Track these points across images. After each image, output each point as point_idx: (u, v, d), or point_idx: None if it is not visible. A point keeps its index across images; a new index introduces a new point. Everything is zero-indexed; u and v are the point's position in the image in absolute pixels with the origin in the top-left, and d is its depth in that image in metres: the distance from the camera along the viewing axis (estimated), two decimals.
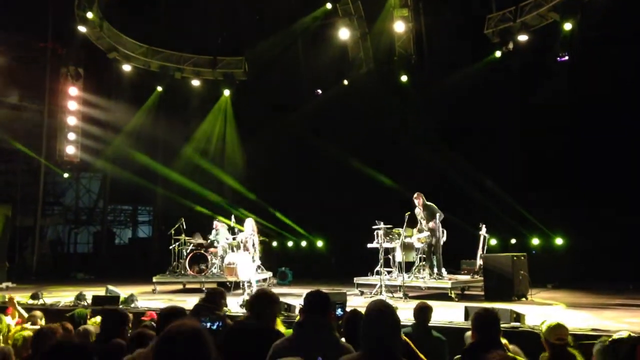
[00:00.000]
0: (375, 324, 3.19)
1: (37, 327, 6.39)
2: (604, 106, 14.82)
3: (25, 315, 7.49)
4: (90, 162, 21.37)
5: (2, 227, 16.55)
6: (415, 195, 12.82)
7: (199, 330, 2.52)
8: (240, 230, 14.71)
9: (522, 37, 15.55)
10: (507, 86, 16.29)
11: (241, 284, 12.56)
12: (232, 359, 3.39)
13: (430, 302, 6.26)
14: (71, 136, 20.47)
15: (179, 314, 4.37)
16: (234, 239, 14.24)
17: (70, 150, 20.43)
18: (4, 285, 15.33)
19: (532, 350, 5.00)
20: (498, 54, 16.20)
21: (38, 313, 7.08)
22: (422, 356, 4.84)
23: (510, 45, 15.69)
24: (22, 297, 11.98)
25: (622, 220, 14.10)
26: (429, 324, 6.15)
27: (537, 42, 15.63)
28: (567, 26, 14.92)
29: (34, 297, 11.43)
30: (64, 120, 20.47)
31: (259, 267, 13.74)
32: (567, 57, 15.43)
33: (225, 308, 5.69)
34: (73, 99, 20.47)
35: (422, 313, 5.95)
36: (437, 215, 12.48)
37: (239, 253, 12.80)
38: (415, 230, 12.77)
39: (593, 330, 7.11)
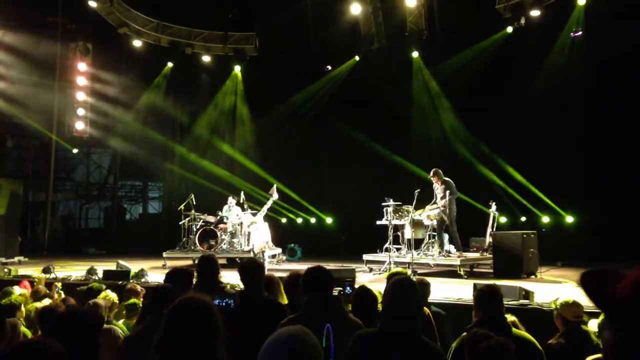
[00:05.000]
0: (400, 302, 3.17)
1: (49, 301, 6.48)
2: (618, 83, 14.62)
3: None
4: (101, 138, 21.40)
5: (7, 201, 16.66)
6: (432, 172, 12.79)
7: (208, 304, 2.53)
8: (250, 206, 14.85)
9: (535, 12, 15.32)
10: (519, 62, 16.08)
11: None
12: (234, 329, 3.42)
13: (439, 279, 6.27)
14: (80, 111, 20.48)
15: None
16: (252, 214, 14.52)
17: (80, 125, 20.46)
18: (16, 259, 15.48)
19: (541, 328, 5.00)
20: (510, 29, 16.01)
21: (41, 287, 7.14)
22: (435, 333, 4.87)
23: (523, 21, 15.48)
24: (34, 271, 12.14)
25: (634, 198, 14.01)
26: (433, 299, 6.18)
27: (550, 17, 15.40)
28: (581, 1, 14.74)
29: (46, 271, 11.54)
30: (73, 96, 20.49)
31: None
32: (580, 32, 15.24)
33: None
34: (82, 74, 20.46)
35: (422, 290, 5.98)
36: (447, 192, 12.45)
37: (258, 225, 13.00)
38: (428, 206, 12.75)
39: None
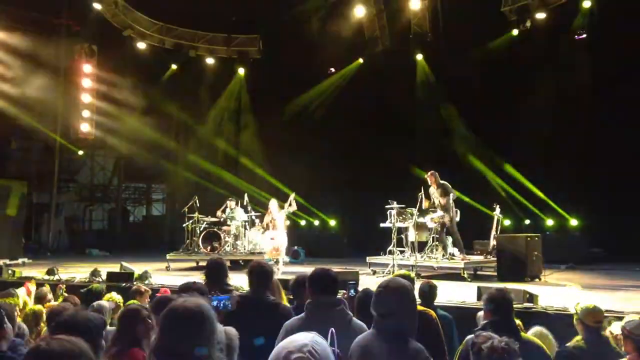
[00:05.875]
0: (389, 303, 3.18)
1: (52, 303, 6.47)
2: (622, 85, 14.59)
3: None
4: (105, 140, 21.41)
5: (18, 203, 16.73)
6: (429, 174, 12.75)
7: (202, 308, 2.52)
8: (254, 209, 14.83)
9: (540, 15, 15.31)
10: (524, 64, 16.05)
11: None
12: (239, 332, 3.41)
13: (443, 282, 6.26)
14: (85, 114, 20.46)
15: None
16: (255, 216, 14.42)
17: (85, 127, 20.41)
18: (20, 261, 15.50)
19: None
20: (515, 32, 15.98)
21: (45, 289, 7.10)
22: (441, 337, 4.85)
23: (528, 23, 15.46)
24: (38, 272, 12.14)
25: (637, 201, 13.98)
26: (435, 303, 6.15)
27: (555, 19, 15.38)
28: (586, 4, 14.73)
29: (50, 272, 11.54)
30: (78, 98, 20.49)
31: None
32: (585, 35, 15.22)
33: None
34: (87, 76, 20.44)
35: (428, 292, 5.97)
36: (451, 194, 12.42)
37: (275, 232, 12.73)
38: (425, 202, 12.67)
39: (607, 311, 7.06)
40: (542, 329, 4.91)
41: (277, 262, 12.24)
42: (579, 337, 4.64)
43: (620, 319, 4.85)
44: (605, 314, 6.48)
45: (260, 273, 4.52)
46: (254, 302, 4.41)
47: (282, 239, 12.47)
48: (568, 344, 4.63)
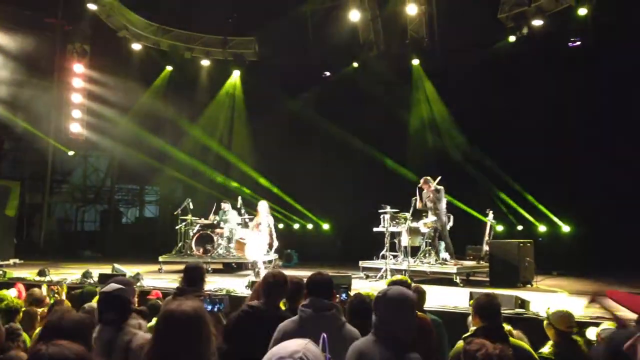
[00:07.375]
0: (396, 313, 3.19)
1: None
2: (618, 93, 14.65)
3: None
4: (98, 141, 21.32)
5: (17, 204, 16.74)
6: (423, 179, 12.75)
7: (199, 310, 2.51)
8: (247, 212, 14.81)
9: (537, 22, 15.37)
10: (520, 71, 16.08)
11: (249, 264, 12.59)
12: (244, 343, 3.41)
13: (435, 287, 6.26)
14: (76, 114, 20.29)
15: None
16: (248, 219, 14.38)
17: (76, 128, 20.27)
18: (11, 261, 15.43)
19: (536, 336, 5.01)
20: (512, 38, 16.03)
21: (37, 291, 7.05)
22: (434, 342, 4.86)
23: (525, 30, 15.51)
24: (29, 273, 12.09)
25: (630, 208, 14.02)
26: (427, 307, 6.17)
27: (551, 27, 15.43)
28: (582, 11, 14.79)
29: (41, 273, 11.49)
30: (69, 98, 20.37)
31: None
32: (579, 43, 15.28)
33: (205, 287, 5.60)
34: (78, 76, 20.29)
35: (417, 297, 5.98)
36: (444, 200, 12.45)
37: (252, 232, 12.64)
38: (419, 203, 12.65)
39: (597, 318, 7.09)
40: (518, 332, 4.93)
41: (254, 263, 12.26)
42: (551, 343, 4.64)
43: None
44: (595, 320, 6.54)
45: (272, 285, 4.41)
46: (260, 313, 4.35)
47: (256, 240, 12.28)
48: (541, 350, 4.63)
